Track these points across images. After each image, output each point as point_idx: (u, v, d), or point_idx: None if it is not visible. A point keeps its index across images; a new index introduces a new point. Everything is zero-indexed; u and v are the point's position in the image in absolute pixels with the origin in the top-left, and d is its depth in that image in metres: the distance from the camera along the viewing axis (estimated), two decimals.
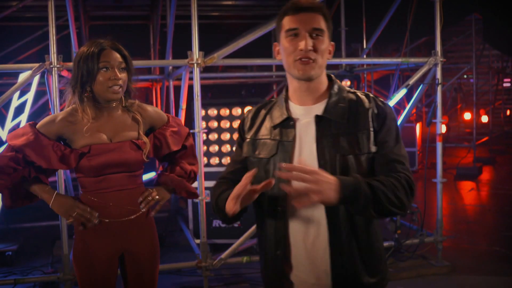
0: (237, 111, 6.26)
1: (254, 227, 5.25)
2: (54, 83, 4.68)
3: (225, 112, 6.26)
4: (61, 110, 3.08)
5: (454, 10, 9.82)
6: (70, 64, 4.91)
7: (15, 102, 5.85)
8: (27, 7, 7.89)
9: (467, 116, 14.78)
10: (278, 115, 2.22)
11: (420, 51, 13.48)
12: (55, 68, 4.67)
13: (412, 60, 5.74)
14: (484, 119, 14.75)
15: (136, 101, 2.92)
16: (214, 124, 6.27)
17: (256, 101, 6.46)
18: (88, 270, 2.82)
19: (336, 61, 6.34)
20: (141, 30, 9.55)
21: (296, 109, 2.21)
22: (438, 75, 5.53)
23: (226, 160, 6.26)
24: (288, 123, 2.18)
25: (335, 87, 2.21)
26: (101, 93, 2.74)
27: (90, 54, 2.70)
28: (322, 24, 2.12)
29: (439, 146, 5.62)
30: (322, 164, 2.08)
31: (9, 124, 5.86)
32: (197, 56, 4.88)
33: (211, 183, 5.98)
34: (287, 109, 2.21)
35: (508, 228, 7.27)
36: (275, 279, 2.23)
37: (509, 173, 11.99)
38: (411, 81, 5.51)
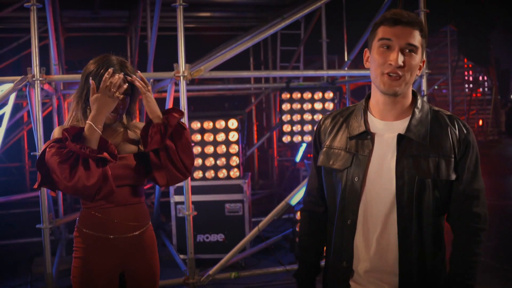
0: (220, 124, 6.18)
1: (243, 241, 5.19)
2: (36, 96, 4.55)
3: (208, 125, 6.18)
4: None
5: (429, 21, 9.94)
6: (53, 76, 4.81)
7: None
8: (2, 19, 7.72)
9: None
10: (356, 126, 2.19)
11: None
12: (38, 81, 4.54)
13: None
14: None
15: (134, 121, 2.92)
16: (197, 137, 6.18)
17: (240, 113, 6.44)
18: (87, 287, 2.74)
19: (332, 73, 6.33)
20: (118, 42, 9.45)
21: (376, 123, 2.18)
22: (424, 86, 5.54)
23: (210, 174, 6.18)
24: (366, 136, 2.16)
25: (419, 104, 2.17)
26: None
27: (96, 73, 2.67)
28: (417, 40, 2.07)
29: None
30: (400, 184, 2.07)
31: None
32: (183, 69, 4.80)
33: (196, 197, 6.00)
34: (366, 121, 2.18)
35: (490, 238, 7.29)
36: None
37: (485, 183, 12.08)
38: None
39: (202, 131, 6.19)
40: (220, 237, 6.11)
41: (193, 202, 5.98)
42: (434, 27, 10.90)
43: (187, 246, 4.97)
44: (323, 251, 2.39)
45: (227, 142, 6.19)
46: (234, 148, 6.19)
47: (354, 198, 2.13)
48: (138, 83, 2.72)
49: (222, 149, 6.18)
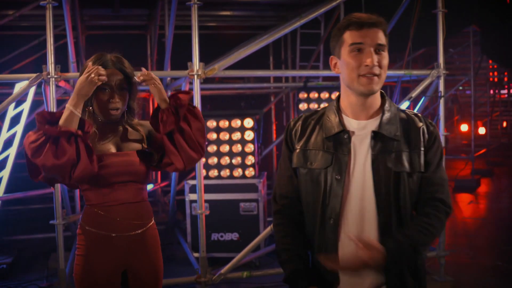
0: (236, 123, 6.18)
1: (255, 240, 5.17)
2: (51, 93, 4.59)
3: (224, 123, 6.18)
4: None
5: (452, 22, 9.80)
6: (68, 74, 4.85)
7: (11, 113, 5.76)
8: (24, 16, 7.80)
9: (464, 127, 14.75)
10: (331, 127, 2.23)
11: (417, 63, 13.47)
12: (53, 79, 4.58)
13: (415, 72, 5.68)
14: (481, 131, 14.72)
15: (135, 120, 2.93)
16: (213, 136, 6.18)
17: (256, 113, 6.43)
18: (90, 285, 2.75)
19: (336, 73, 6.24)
20: (138, 40, 9.49)
21: (350, 122, 2.23)
22: (441, 87, 5.47)
23: (225, 173, 6.18)
24: (343, 136, 2.21)
25: (387, 104, 2.26)
26: (100, 112, 2.76)
27: None
28: (384, 40, 2.17)
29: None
30: (376, 180, 2.15)
31: (4, 134, 5.77)
32: (197, 67, 4.81)
33: (210, 196, 6.00)
34: (341, 121, 2.23)
35: (509, 242, 7.19)
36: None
37: (508, 186, 11.96)
38: (414, 94, 5.44)
39: (217, 129, 6.19)
40: (234, 236, 6.10)
41: (207, 201, 6.00)
42: (457, 27, 10.76)
43: (199, 245, 4.97)
44: (307, 253, 2.31)
45: (243, 141, 6.19)
46: (250, 147, 6.18)
47: (336, 197, 2.17)
48: (141, 76, 2.72)
49: (237, 148, 6.18)
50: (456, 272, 5.80)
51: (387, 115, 2.22)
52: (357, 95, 2.18)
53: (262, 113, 6.49)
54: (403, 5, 6.16)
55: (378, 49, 2.14)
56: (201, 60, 4.87)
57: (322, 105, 7.16)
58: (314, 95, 7.27)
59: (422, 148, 2.20)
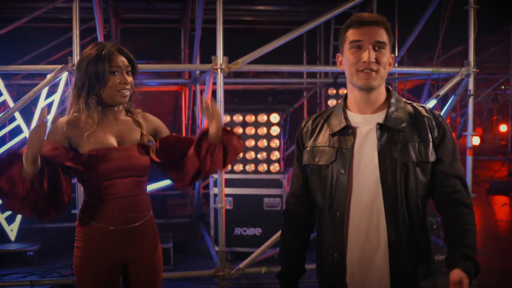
0: (262, 117, 6.16)
1: (275, 236, 5.15)
2: None
3: (250, 118, 6.17)
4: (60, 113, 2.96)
5: (490, 19, 9.57)
6: None
7: (42, 103, 5.87)
8: (60, 9, 7.92)
9: (503, 128, 14.40)
10: (336, 124, 2.31)
11: (456, 60, 13.19)
12: None
13: (444, 70, 5.57)
14: None
15: (140, 110, 2.95)
16: (239, 130, 6.18)
17: (283, 108, 6.40)
18: (90, 279, 2.76)
19: None
20: (172, 33, 9.54)
21: (355, 118, 2.30)
22: (470, 86, 5.35)
23: (250, 167, 6.17)
24: (347, 131, 2.27)
25: (393, 98, 2.30)
26: (111, 97, 2.74)
27: (99, 57, 2.68)
28: (385, 38, 2.22)
29: (469, 160, 5.42)
30: (383, 170, 2.18)
31: (35, 124, 5.88)
32: (221, 61, 4.81)
33: (235, 190, 6.01)
34: (346, 117, 2.30)
35: None
36: (331, 282, 2.29)
37: None
38: (442, 92, 5.33)
39: (244, 124, 6.18)
40: (257, 231, 6.10)
41: (231, 195, 6.01)
42: (496, 25, 10.51)
43: (218, 239, 4.98)
44: (306, 253, 2.47)
45: (269, 136, 6.17)
46: (275, 143, 6.16)
47: (342, 190, 2.23)
48: (205, 108, 2.74)
49: (263, 143, 6.17)
50: (482, 275, 5.61)
51: (392, 108, 2.27)
52: (359, 90, 2.25)
53: (288, 108, 6.46)
54: (435, 1, 6.04)
55: (377, 46, 2.20)
56: (236, 54, 4.90)
57: None
58: (343, 91, 7.20)
59: (431, 139, 2.22)
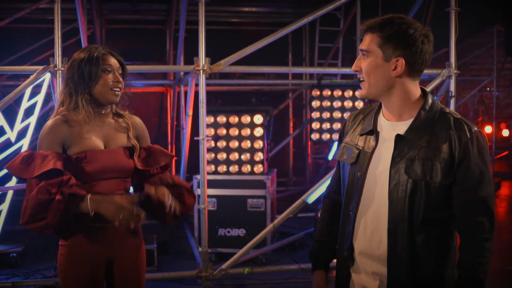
0: (246, 119, 6.18)
1: (258, 237, 5.18)
2: (58, 85, 4.66)
3: (234, 119, 6.19)
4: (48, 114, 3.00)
5: (475, 21, 9.65)
6: None
7: (25, 104, 5.85)
8: (45, 10, 7.90)
9: (488, 129, 14.47)
10: (367, 125, 2.28)
11: (441, 62, 13.27)
12: (60, 71, 4.64)
13: (425, 71, 5.57)
14: (505, 133, 14.45)
15: (126, 112, 2.97)
16: (223, 131, 6.19)
17: (266, 109, 6.41)
18: (74, 276, 2.76)
19: (348, 70, 6.22)
20: (157, 34, 9.54)
21: (383, 123, 2.24)
22: (452, 87, 5.39)
23: (234, 168, 6.19)
24: (372, 134, 2.24)
25: (427, 106, 2.16)
26: (103, 95, 2.77)
27: (92, 57, 2.75)
28: (371, 44, 2.12)
29: None
30: (392, 184, 2.12)
31: (18, 125, 5.85)
32: (203, 62, 4.82)
33: (218, 191, 6.03)
34: (375, 120, 2.26)
35: None
36: (343, 275, 2.31)
37: None
38: None
39: (227, 125, 6.19)
40: (241, 232, 6.11)
41: (215, 196, 6.02)
42: (480, 27, 10.59)
43: (201, 239, 4.99)
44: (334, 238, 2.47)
45: (252, 138, 6.18)
46: (259, 144, 6.17)
47: (356, 192, 2.23)
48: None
49: (246, 144, 6.18)
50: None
51: (421, 117, 2.13)
52: None
53: (272, 110, 6.47)
54: (418, 3, 6.09)
55: (363, 54, 2.15)
56: (222, 55, 4.92)
57: (335, 103, 7.24)
58: (327, 92, 7.23)
59: (450, 160, 2.07)
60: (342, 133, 2.42)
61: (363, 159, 2.21)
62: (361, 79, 2.16)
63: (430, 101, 2.16)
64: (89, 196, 2.60)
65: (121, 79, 2.80)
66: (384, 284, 2.17)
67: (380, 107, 2.27)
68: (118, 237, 2.81)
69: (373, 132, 2.23)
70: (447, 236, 2.15)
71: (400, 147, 2.13)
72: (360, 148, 2.24)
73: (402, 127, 2.15)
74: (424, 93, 2.19)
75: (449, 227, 2.15)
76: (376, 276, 2.19)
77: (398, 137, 2.13)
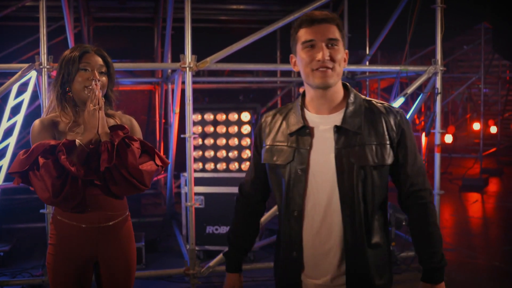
0: (233, 116, 6.17)
1: None
2: (43, 84, 4.63)
3: (221, 117, 6.18)
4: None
5: (463, 18, 9.68)
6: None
7: (11, 102, 5.81)
8: (31, 7, 7.86)
9: (476, 126, 14.57)
10: (294, 123, 2.30)
11: (429, 59, 13.33)
12: (45, 69, 4.62)
13: (411, 68, 5.62)
14: (493, 129, 14.52)
15: (119, 112, 2.98)
16: (210, 129, 6.19)
17: (254, 107, 6.41)
18: (62, 276, 2.76)
19: None
20: (145, 32, 9.52)
21: (312, 118, 2.28)
22: (438, 84, 5.41)
23: (222, 166, 6.18)
24: (304, 131, 2.26)
25: (352, 97, 2.28)
26: (78, 93, 2.77)
27: (72, 55, 2.77)
28: (337, 34, 2.21)
29: (437, 157, 5.48)
30: (340, 174, 2.19)
31: (4, 124, 5.82)
32: (189, 60, 4.81)
33: (206, 189, 6.02)
34: (303, 117, 2.29)
35: (510, 243, 7.12)
36: (288, 280, 2.33)
37: None
38: (409, 90, 5.39)
39: (215, 123, 6.18)
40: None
41: (203, 194, 6.02)
42: (467, 24, 10.63)
43: (188, 237, 4.99)
44: (254, 238, 2.60)
45: (240, 135, 6.18)
46: (246, 141, 6.17)
47: (299, 190, 2.24)
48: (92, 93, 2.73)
49: (234, 141, 6.17)
50: (451, 271, 5.75)
51: (351, 108, 2.24)
52: (315, 89, 2.24)
53: (260, 107, 6.47)
54: (404, 0, 6.11)
55: (330, 43, 2.19)
56: (208, 53, 4.91)
57: None
58: None
59: (388, 141, 2.23)
60: (259, 135, 2.44)
61: (301, 156, 2.24)
62: (330, 66, 2.17)
63: (353, 93, 2.30)
64: (77, 139, 2.64)
65: (96, 77, 2.76)
66: (337, 278, 2.24)
67: (303, 104, 2.32)
68: (105, 238, 2.80)
69: (306, 128, 2.26)
70: (386, 216, 2.33)
71: (340, 137, 2.21)
72: (294, 146, 2.26)
73: (336, 119, 2.24)
74: (345, 86, 2.33)
75: (386, 206, 2.33)
76: (330, 271, 2.24)
77: (336, 128, 2.21)
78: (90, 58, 2.78)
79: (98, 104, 2.67)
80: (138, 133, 2.98)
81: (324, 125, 2.25)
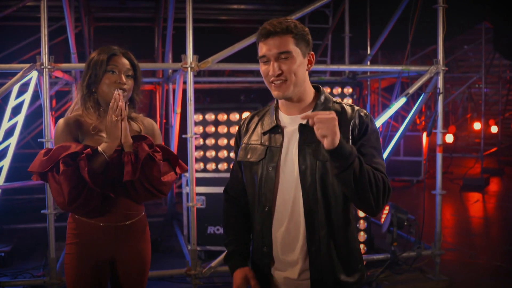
0: (234, 116, 6.16)
1: None
2: (44, 84, 4.62)
3: (222, 117, 6.17)
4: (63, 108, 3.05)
5: (463, 18, 9.68)
6: (62, 65, 4.85)
7: (12, 102, 5.81)
8: (32, 7, 7.86)
9: (477, 126, 14.57)
10: (268, 123, 2.42)
11: (431, 59, 13.33)
12: (46, 69, 4.61)
13: (413, 68, 5.61)
14: (494, 129, 14.51)
15: (140, 115, 3.02)
16: (212, 129, 6.18)
17: (255, 107, 6.40)
18: (79, 275, 2.81)
19: (336, 67, 6.23)
20: (146, 32, 9.51)
21: (284, 118, 2.40)
22: (440, 84, 5.39)
23: (223, 166, 6.17)
24: (277, 130, 2.38)
25: (322, 98, 2.37)
26: (104, 95, 2.82)
27: (100, 57, 2.81)
28: (289, 45, 2.25)
29: (439, 157, 5.47)
30: (302, 169, 2.28)
31: (5, 124, 5.81)
32: (191, 60, 4.81)
33: (208, 189, 6.01)
34: (276, 117, 2.41)
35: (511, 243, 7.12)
36: (260, 274, 2.40)
37: None
38: (411, 90, 5.38)
39: (216, 123, 6.18)
40: None
41: (204, 194, 6.01)
42: (469, 24, 10.63)
43: (190, 237, 4.98)
44: (250, 237, 2.55)
45: None
46: None
47: (270, 186, 2.34)
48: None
49: None
50: (453, 271, 5.75)
51: (318, 109, 2.33)
52: None
53: (260, 107, 6.45)
54: (405, 0, 6.10)
55: (282, 56, 2.25)
56: (212, 52, 4.91)
57: None
58: None
59: (350, 138, 2.27)
60: (239, 137, 2.55)
61: (272, 154, 2.35)
62: (283, 78, 2.24)
63: (323, 95, 2.38)
64: (99, 148, 2.68)
65: (125, 81, 2.81)
66: (304, 272, 2.31)
67: (277, 106, 2.42)
68: (122, 237, 2.85)
69: (279, 127, 2.37)
70: (350, 211, 2.36)
71: (304, 135, 2.30)
72: (267, 144, 2.38)
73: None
74: (317, 88, 2.41)
75: (350, 203, 2.34)
76: (297, 265, 2.31)
77: (301, 126, 2.31)
78: (117, 60, 2.83)
79: (121, 115, 2.68)
80: (158, 136, 3.02)
81: (292, 125, 2.35)
